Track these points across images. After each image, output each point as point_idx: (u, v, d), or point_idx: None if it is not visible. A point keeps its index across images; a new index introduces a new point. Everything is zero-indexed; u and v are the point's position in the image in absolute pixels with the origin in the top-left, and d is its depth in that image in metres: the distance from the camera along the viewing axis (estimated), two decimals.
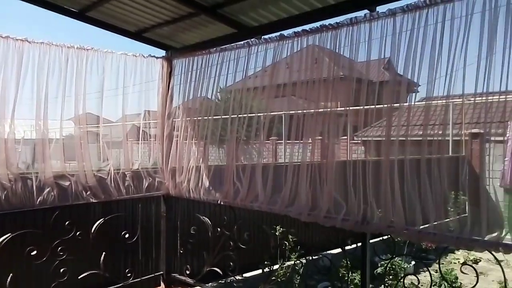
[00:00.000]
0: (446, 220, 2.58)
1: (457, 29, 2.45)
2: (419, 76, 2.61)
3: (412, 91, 2.92)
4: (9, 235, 3.49)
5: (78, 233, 3.92)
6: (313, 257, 4.63)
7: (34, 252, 3.60)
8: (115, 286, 4.30)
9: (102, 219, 4.18)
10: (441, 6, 2.49)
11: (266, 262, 4.95)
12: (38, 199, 3.65)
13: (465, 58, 2.44)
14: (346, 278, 5.17)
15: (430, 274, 3.04)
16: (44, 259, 3.66)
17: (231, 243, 4.16)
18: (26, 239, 3.61)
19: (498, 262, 2.58)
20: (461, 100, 2.56)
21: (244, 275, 4.79)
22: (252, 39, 3.65)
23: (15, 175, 3.51)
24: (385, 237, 3.19)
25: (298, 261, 5.81)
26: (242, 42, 3.74)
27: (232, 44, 3.84)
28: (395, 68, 2.77)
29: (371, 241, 3.12)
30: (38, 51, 3.63)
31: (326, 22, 3.06)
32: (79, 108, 3.92)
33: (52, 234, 3.76)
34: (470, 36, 2.41)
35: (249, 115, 3.77)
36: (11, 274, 3.49)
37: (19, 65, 3.50)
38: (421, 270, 6.87)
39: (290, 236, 6.04)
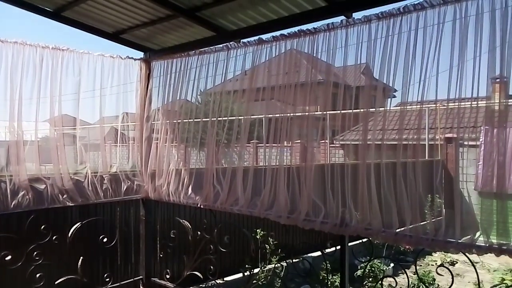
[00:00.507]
0: (423, 222, 2.63)
1: (430, 37, 2.52)
2: (394, 82, 2.68)
3: (388, 96, 2.98)
4: None
5: (54, 237, 3.84)
6: (294, 260, 4.66)
7: (9, 257, 3.51)
8: None
9: (79, 223, 4.11)
10: (414, 14, 2.56)
11: (246, 266, 4.96)
12: (13, 203, 3.56)
13: (438, 65, 2.51)
14: (326, 281, 5.22)
15: (408, 277, 3.09)
16: (19, 264, 3.58)
17: (212, 246, 4.15)
18: (1, 244, 3.52)
19: (472, 263, 2.64)
20: (435, 105, 2.62)
21: (225, 278, 4.77)
22: (231, 43, 3.65)
23: None
24: (364, 240, 3.24)
25: (278, 264, 5.83)
26: (221, 46, 3.74)
27: (211, 47, 3.84)
28: (372, 73, 2.82)
29: (350, 244, 3.15)
30: (12, 50, 3.54)
31: (304, 27, 3.10)
32: (55, 109, 3.85)
33: (28, 239, 3.67)
34: (442, 44, 2.48)
35: (229, 118, 3.77)
36: None
37: None
38: (400, 272, 6.98)
39: (270, 239, 6.05)
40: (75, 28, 3.90)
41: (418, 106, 2.63)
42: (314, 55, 3.06)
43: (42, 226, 3.78)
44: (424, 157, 9.97)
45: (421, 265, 7.95)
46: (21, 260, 3.59)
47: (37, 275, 3.69)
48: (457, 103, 2.46)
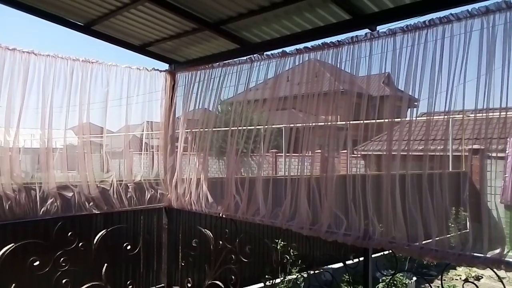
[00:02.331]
0: (448, 236, 2.59)
1: (457, 46, 2.49)
2: (420, 92, 2.65)
3: (413, 106, 2.95)
4: (12, 245, 3.51)
5: (80, 244, 3.94)
6: (315, 272, 4.62)
7: (37, 263, 3.60)
8: None
9: (104, 230, 4.20)
10: (440, 26, 2.54)
11: (267, 276, 4.94)
12: (42, 210, 3.68)
13: (465, 74, 2.48)
14: None
15: None
16: (47, 269, 3.66)
17: (233, 256, 4.15)
18: (29, 250, 3.63)
19: (500, 279, 2.57)
20: (461, 116, 2.59)
21: None
22: (254, 55, 3.70)
23: (19, 185, 3.54)
24: (386, 252, 3.19)
25: (299, 275, 5.78)
26: (244, 58, 3.80)
27: (235, 60, 3.90)
28: (394, 83, 2.81)
29: (373, 255, 3.12)
30: (44, 63, 3.69)
31: (328, 40, 3.12)
32: (83, 118, 3.97)
33: (55, 245, 3.77)
34: (470, 53, 2.45)
35: (250, 127, 3.81)
36: (13, 285, 3.51)
37: (25, 76, 3.56)
38: (423, 286, 6.82)
39: (291, 250, 6.01)
40: (104, 41, 4.03)
41: (444, 116, 2.60)
42: (338, 66, 3.07)
43: (69, 233, 3.87)
44: (449, 169, 9.77)
45: (445, 280, 7.75)
46: (48, 265, 3.68)
47: (63, 281, 3.77)
48: (484, 113, 2.42)
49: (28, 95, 3.61)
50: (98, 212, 4.05)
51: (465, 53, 2.47)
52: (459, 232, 2.68)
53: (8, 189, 3.46)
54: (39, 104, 3.69)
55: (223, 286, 4.25)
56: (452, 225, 2.77)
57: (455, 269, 8.32)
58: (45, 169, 3.73)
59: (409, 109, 2.88)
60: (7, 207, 3.44)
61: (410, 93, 2.70)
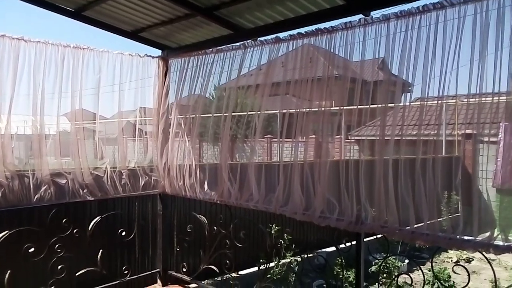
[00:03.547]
0: (440, 219, 2.62)
1: (450, 31, 2.49)
2: (414, 77, 2.65)
3: (406, 91, 2.96)
4: (7, 233, 3.52)
5: (75, 230, 3.95)
6: (308, 255, 4.68)
7: (32, 250, 3.62)
8: (112, 283, 4.33)
9: (99, 217, 4.21)
10: (434, 12, 2.53)
11: (261, 260, 5.00)
12: (35, 197, 3.68)
13: (458, 59, 2.48)
14: (340, 276, 5.24)
15: (423, 273, 3.09)
16: (42, 256, 3.68)
17: (227, 241, 4.20)
18: (24, 237, 3.63)
19: (489, 262, 2.63)
20: (454, 100, 2.60)
21: (240, 272, 4.82)
22: (248, 41, 3.67)
23: (12, 172, 3.52)
24: (379, 236, 3.23)
25: (293, 259, 5.86)
26: (238, 44, 3.77)
27: (228, 45, 3.86)
28: (389, 68, 2.81)
29: (365, 239, 3.16)
30: (34, 49, 3.64)
31: (321, 25, 3.10)
32: (75, 104, 3.94)
33: (50, 232, 3.78)
34: (463, 38, 2.45)
35: (244, 113, 3.80)
36: (9, 271, 3.52)
37: (15, 63, 3.51)
38: (415, 268, 6.94)
39: (285, 235, 6.08)
40: (95, 27, 3.98)
41: (438, 101, 2.61)
42: (332, 51, 3.05)
43: (64, 220, 3.88)
44: (442, 154, 9.87)
45: (436, 262, 7.89)
46: (43, 252, 3.70)
47: (59, 267, 3.80)
48: (477, 98, 2.43)
49: (19, 82, 3.56)
50: (92, 199, 4.06)
51: (458, 38, 2.47)
52: (450, 216, 2.72)
53: (1, 176, 3.45)
54: (30, 91, 3.65)
55: (217, 271, 4.31)
56: (444, 209, 2.81)
57: (447, 252, 8.47)
58: (38, 156, 3.71)
59: (403, 94, 2.89)
60: (0, 194, 3.43)
61: (404, 78, 2.71)
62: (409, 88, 2.91)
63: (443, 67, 2.52)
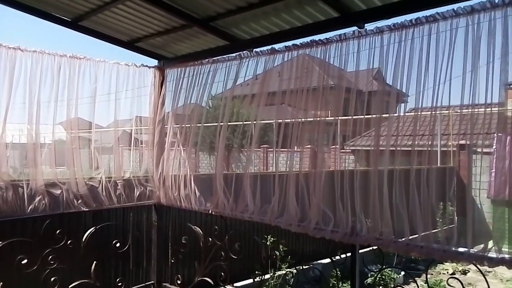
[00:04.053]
0: (434, 230, 2.62)
1: (443, 43, 2.53)
2: (408, 87, 2.68)
3: (401, 101, 2.98)
4: (0, 244, 3.47)
5: (69, 241, 3.90)
6: (304, 267, 4.66)
7: (25, 261, 3.57)
8: None
9: (93, 228, 4.17)
10: (426, 25, 2.58)
11: (257, 272, 4.97)
12: (29, 207, 3.64)
13: (451, 71, 2.51)
14: None
15: (418, 286, 3.08)
16: (35, 267, 3.63)
17: (222, 253, 4.17)
18: (17, 248, 3.59)
19: (483, 274, 2.62)
20: (448, 111, 2.62)
21: (235, 284, 4.79)
22: (243, 52, 3.70)
23: (6, 182, 3.49)
24: (374, 247, 3.22)
25: (288, 271, 5.83)
26: (234, 54, 3.79)
27: (224, 56, 3.89)
28: (384, 79, 2.84)
29: (361, 251, 3.16)
30: (31, 59, 3.63)
31: (316, 37, 3.14)
32: (71, 113, 3.93)
33: (43, 243, 3.74)
34: (455, 50, 2.49)
35: (240, 122, 3.80)
36: (1, 283, 3.48)
37: (11, 72, 3.50)
38: (411, 280, 6.91)
39: (281, 246, 6.06)
40: (92, 36, 3.99)
41: (432, 112, 2.63)
42: (325, 59, 3.08)
43: (57, 231, 3.84)
44: (437, 164, 9.91)
45: (432, 274, 7.86)
46: (36, 263, 3.65)
47: (52, 279, 3.75)
48: (470, 109, 2.45)
49: (15, 91, 3.55)
50: (87, 209, 4.02)
51: (451, 50, 2.51)
52: (445, 227, 2.72)
53: None
54: (26, 100, 3.63)
55: (212, 283, 4.26)
56: (440, 220, 2.81)
57: (443, 263, 8.44)
58: (33, 165, 3.68)
59: (398, 104, 2.91)
60: None
61: (399, 88, 2.73)
62: (404, 98, 2.93)
63: (436, 78, 2.55)
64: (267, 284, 5.76)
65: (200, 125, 4.15)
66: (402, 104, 2.97)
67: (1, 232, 3.59)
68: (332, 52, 3.04)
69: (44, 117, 3.74)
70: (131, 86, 4.37)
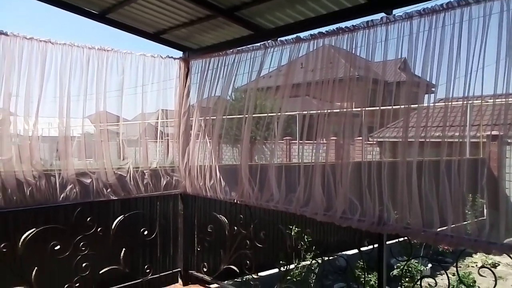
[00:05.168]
0: (464, 222, 2.56)
1: (475, 30, 2.43)
2: (438, 77, 2.60)
3: (430, 92, 2.90)
4: (34, 230, 3.62)
5: (99, 229, 4.04)
6: (329, 258, 4.64)
7: (58, 247, 3.72)
8: (135, 282, 4.40)
9: (122, 216, 4.29)
10: (458, 9, 2.48)
11: (281, 262, 4.98)
12: (61, 196, 3.77)
13: (484, 58, 2.42)
14: (362, 280, 5.17)
15: (448, 277, 3.02)
16: (67, 254, 3.78)
17: (248, 241, 4.21)
18: (50, 234, 3.73)
19: None
20: (479, 101, 2.53)
21: (260, 274, 4.83)
22: (268, 41, 3.68)
23: (39, 172, 3.63)
24: (401, 239, 3.18)
25: (313, 261, 5.82)
26: (258, 44, 3.78)
27: (249, 46, 3.88)
28: (411, 69, 2.76)
29: (387, 242, 3.11)
30: (61, 52, 3.74)
31: (342, 25, 3.08)
32: (100, 107, 4.02)
33: (75, 230, 3.88)
34: (488, 37, 2.39)
35: (263, 114, 3.80)
36: (36, 268, 3.62)
37: (42, 65, 3.62)
38: (438, 273, 6.80)
39: (305, 236, 6.06)
40: (119, 29, 4.06)
41: (463, 102, 2.54)
42: (353, 51, 3.03)
43: (88, 218, 3.98)
44: (467, 155, 9.62)
45: (460, 267, 7.70)
46: (68, 250, 3.80)
47: (83, 265, 3.89)
48: (503, 99, 2.37)
49: (46, 84, 3.66)
50: (116, 198, 4.13)
51: (484, 36, 2.41)
52: (475, 220, 2.65)
53: (28, 175, 3.55)
54: (56, 93, 3.75)
55: (238, 271, 4.32)
56: (469, 212, 2.74)
57: (472, 256, 8.27)
58: (64, 157, 3.81)
59: (426, 95, 2.83)
60: (28, 193, 3.54)
61: (428, 79, 2.66)
62: (433, 89, 2.85)
63: (468, 66, 2.46)
64: (291, 273, 5.78)
65: (224, 117, 4.17)
66: (432, 95, 2.88)
67: (35, 219, 3.74)
68: (359, 41, 2.97)
69: (73, 111, 3.85)
70: (157, 78, 4.44)
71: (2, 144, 3.49)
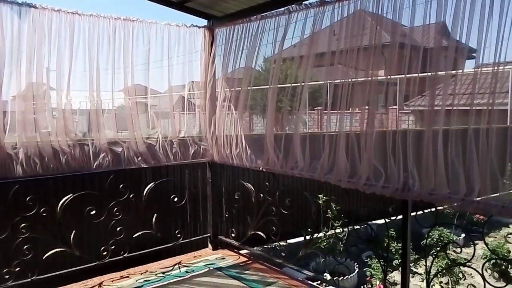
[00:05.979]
0: (494, 194, 2.46)
1: None
2: (468, 42, 2.45)
3: (469, 57, 2.73)
4: (70, 196, 3.84)
5: (131, 195, 4.22)
6: (357, 226, 4.64)
7: (93, 212, 3.94)
8: (166, 246, 4.61)
9: (152, 183, 4.46)
10: None
11: (309, 230, 5.04)
12: (95, 163, 3.95)
13: None
14: (390, 248, 5.17)
15: (474, 246, 2.97)
16: (102, 218, 4.00)
17: (273, 208, 4.29)
18: (86, 200, 3.95)
19: None
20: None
21: (289, 241, 4.93)
22: (292, 5, 3.59)
23: (73, 141, 3.80)
24: (433, 209, 3.11)
25: (341, 230, 5.85)
26: (282, 9, 3.69)
27: (272, 11, 3.80)
28: (451, 34, 2.59)
29: (419, 212, 3.05)
30: (88, 23, 3.79)
31: None
32: (128, 79, 4.10)
33: (109, 196, 4.07)
34: None
35: (292, 84, 3.75)
36: (74, 231, 3.87)
37: (71, 37, 3.69)
38: (471, 243, 6.67)
39: (333, 204, 6.07)
40: None
41: (494, 68, 2.38)
42: (386, 16, 2.87)
43: (120, 185, 4.16)
44: (495, 123, 9.15)
45: (495, 237, 7.52)
46: (103, 214, 4.02)
47: (118, 229, 4.11)
48: None
49: (75, 58, 3.74)
50: (146, 166, 4.28)
51: None
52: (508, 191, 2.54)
53: (64, 144, 3.73)
54: (86, 67, 3.83)
55: (264, 237, 4.42)
56: (502, 182, 2.61)
57: (508, 227, 8.02)
58: (96, 129, 3.95)
59: (466, 61, 2.67)
60: (63, 161, 3.73)
61: (469, 44, 2.49)
62: (473, 54, 2.67)
63: (500, 32, 2.28)
64: (319, 241, 5.84)
65: (250, 88, 4.16)
66: (473, 60, 2.70)
67: (71, 186, 3.97)
68: (385, 1, 2.82)
69: (104, 84, 3.94)
70: (182, 48, 4.44)
71: (39, 117, 3.66)
